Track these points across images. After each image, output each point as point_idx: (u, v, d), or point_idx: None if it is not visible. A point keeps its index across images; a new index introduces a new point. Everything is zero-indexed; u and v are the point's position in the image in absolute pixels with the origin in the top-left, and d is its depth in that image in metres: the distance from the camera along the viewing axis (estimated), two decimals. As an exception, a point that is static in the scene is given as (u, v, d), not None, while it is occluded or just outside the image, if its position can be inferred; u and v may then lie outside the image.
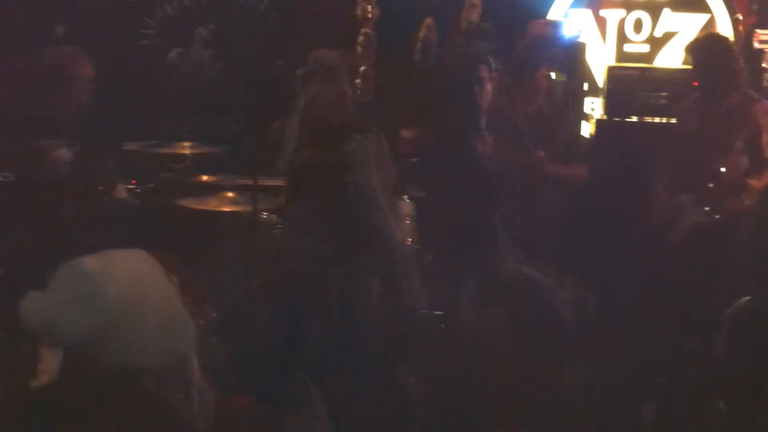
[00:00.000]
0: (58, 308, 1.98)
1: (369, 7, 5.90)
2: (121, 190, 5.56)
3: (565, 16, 6.79)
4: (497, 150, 4.59)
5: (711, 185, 5.34)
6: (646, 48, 6.81)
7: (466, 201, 4.45)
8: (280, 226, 5.70)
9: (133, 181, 6.30)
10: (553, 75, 5.98)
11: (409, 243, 4.39)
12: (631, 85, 6.32)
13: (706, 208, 5.36)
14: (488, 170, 4.47)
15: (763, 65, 6.32)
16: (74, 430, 1.96)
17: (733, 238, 5.27)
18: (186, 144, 6.61)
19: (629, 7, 6.84)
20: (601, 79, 6.54)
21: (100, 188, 5.51)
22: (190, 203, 5.93)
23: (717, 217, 5.35)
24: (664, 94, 6.25)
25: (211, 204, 5.91)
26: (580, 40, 6.45)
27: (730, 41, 5.93)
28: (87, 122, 5.44)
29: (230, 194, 5.94)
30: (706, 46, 5.65)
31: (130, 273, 2.05)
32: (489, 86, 4.57)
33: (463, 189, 4.47)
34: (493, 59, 4.71)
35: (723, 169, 5.33)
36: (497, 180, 4.51)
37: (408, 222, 4.71)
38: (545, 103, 5.62)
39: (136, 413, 1.99)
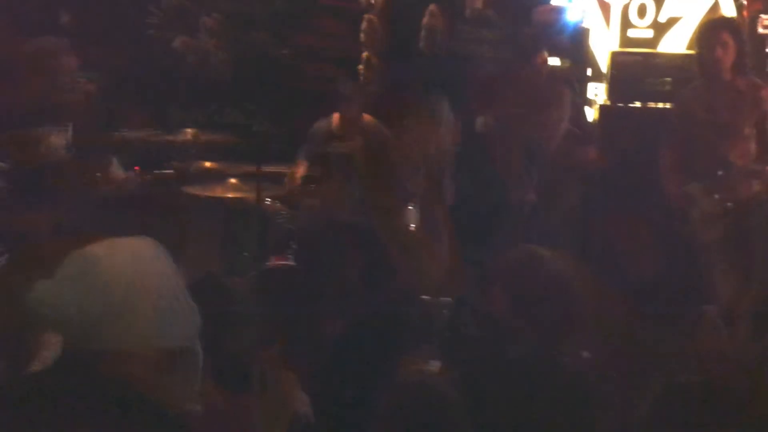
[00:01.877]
0: (65, 294, 2.04)
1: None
2: (119, 175, 5.58)
3: (569, 1, 6.76)
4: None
5: (720, 173, 5.31)
6: (650, 33, 6.76)
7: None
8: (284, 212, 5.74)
9: (136, 168, 6.32)
10: (557, 60, 5.98)
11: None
12: (635, 70, 6.30)
13: (716, 196, 5.33)
14: None
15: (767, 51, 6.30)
16: (64, 412, 2.01)
17: (746, 226, 5.26)
18: (190, 131, 6.61)
19: (633, -8, 6.81)
20: (604, 64, 6.53)
21: (97, 174, 5.55)
22: (195, 190, 5.95)
23: (728, 205, 5.32)
24: (668, 79, 6.22)
25: (217, 191, 5.93)
26: (584, 25, 6.44)
27: (737, 24, 5.89)
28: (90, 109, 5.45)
29: (234, 181, 5.96)
30: (712, 29, 5.60)
31: (132, 259, 2.10)
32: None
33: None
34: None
35: (732, 157, 5.30)
36: None
37: None
38: (550, 88, 5.61)
39: (118, 394, 2.05)
